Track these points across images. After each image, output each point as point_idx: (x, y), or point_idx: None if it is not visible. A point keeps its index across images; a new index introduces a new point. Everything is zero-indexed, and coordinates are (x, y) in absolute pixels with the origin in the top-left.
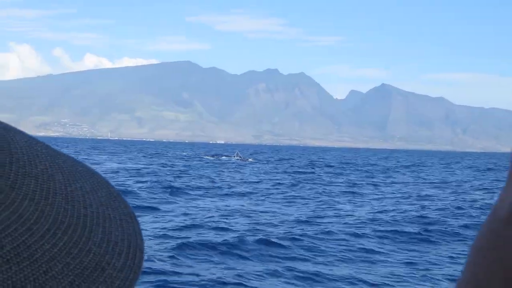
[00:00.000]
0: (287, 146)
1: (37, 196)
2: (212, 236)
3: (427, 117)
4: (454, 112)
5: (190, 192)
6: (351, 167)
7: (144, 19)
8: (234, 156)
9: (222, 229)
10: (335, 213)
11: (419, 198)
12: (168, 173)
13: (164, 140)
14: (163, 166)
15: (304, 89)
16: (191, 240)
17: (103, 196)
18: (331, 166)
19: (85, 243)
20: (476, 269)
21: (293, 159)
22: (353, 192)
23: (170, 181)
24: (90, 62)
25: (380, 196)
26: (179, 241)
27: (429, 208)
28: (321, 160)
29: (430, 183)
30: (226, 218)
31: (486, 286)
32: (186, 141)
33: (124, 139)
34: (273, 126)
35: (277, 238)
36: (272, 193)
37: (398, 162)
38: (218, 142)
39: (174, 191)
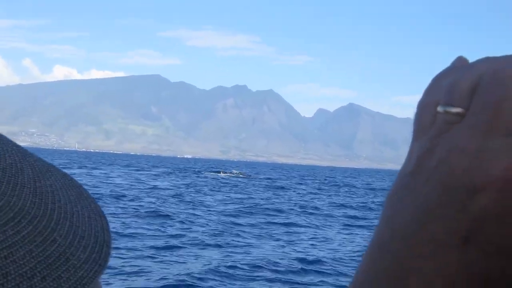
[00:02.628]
0: (254, 162)
1: (3, 187)
2: None
3: (392, 137)
4: None
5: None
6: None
7: (117, 32)
8: (229, 173)
9: None
10: None
11: None
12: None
13: (132, 153)
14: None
15: (272, 106)
16: None
17: (73, 195)
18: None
19: (50, 233)
20: (389, 221)
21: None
22: None
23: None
24: (59, 73)
25: None
26: None
27: None
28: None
29: None
30: None
31: (398, 236)
32: (153, 155)
33: (91, 150)
34: (240, 141)
35: None
36: None
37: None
38: (185, 156)
39: None
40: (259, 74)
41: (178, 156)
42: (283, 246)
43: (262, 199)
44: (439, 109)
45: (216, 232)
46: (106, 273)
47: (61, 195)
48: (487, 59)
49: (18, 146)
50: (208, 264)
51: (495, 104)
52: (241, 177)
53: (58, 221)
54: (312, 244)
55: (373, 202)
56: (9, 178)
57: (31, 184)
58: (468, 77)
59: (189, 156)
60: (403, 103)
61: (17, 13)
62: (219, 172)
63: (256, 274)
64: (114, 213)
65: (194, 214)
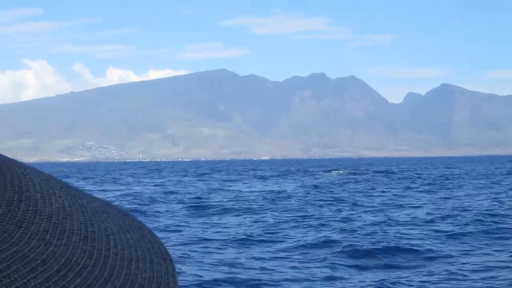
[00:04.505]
0: (339, 159)
1: (49, 236)
2: None
3: (495, 118)
4: None
5: None
6: None
7: (172, 25)
8: (342, 171)
9: None
10: None
11: None
12: None
13: (202, 159)
14: None
15: (355, 94)
16: None
17: (133, 238)
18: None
19: (102, 284)
20: None
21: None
22: None
23: None
24: (114, 76)
25: None
26: None
27: None
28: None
29: None
30: None
31: None
32: (227, 159)
33: (157, 160)
34: (322, 136)
35: None
36: None
37: None
38: (262, 158)
39: None
40: (337, 58)
41: (255, 159)
42: None
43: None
44: None
45: None
46: None
47: (118, 240)
48: None
49: (69, 187)
50: None
51: None
52: (357, 174)
53: (113, 269)
54: None
55: None
56: (55, 225)
57: (81, 229)
58: None
59: (267, 158)
60: (504, 79)
61: (59, 14)
62: (330, 171)
63: None
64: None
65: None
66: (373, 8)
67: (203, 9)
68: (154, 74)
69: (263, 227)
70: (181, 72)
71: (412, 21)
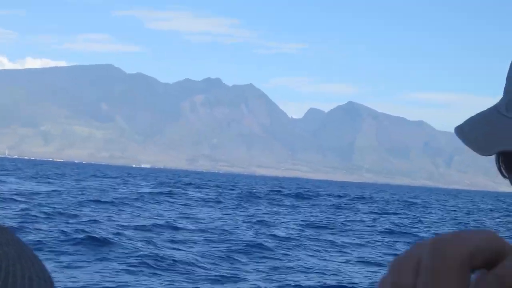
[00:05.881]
0: (228, 174)
1: None
2: None
3: (403, 144)
4: (436, 139)
5: None
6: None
7: (58, 11)
8: None
9: None
10: None
11: None
12: None
13: (76, 161)
14: None
15: (252, 105)
16: None
17: (11, 252)
18: None
19: None
20: None
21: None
22: None
23: None
24: None
25: None
26: None
27: None
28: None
29: None
30: None
31: None
32: (103, 163)
33: (25, 158)
34: (212, 149)
35: None
36: None
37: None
38: (142, 166)
39: None
40: (237, 64)
41: (134, 166)
42: None
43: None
44: None
45: None
46: None
47: None
48: (433, 238)
49: None
50: None
51: (435, 277)
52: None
53: None
54: None
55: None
56: None
57: None
58: (411, 254)
59: (148, 166)
60: (415, 102)
61: None
62: None
63: None
64: None
65: None
66: (284, 14)
67: None
68: (31, 63)
69: None
70: (62, 64)
71: (323, 31)
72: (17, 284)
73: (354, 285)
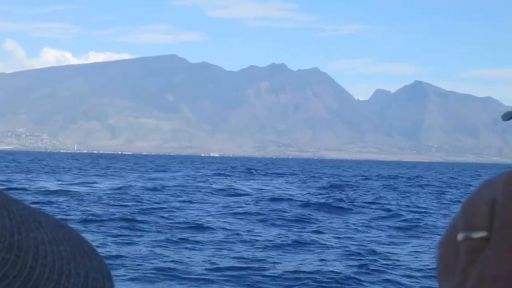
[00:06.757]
0: (298, 159)
1: None
2: None
3: (471, 122)
4: None
5: None
6: None
7: (118, 3)
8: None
9: None
10: None
11: None
12: None
13: (144, 153)
14: None
15: (318, 89)
16: None
17: (67, 250)
18: None
19: None
20: None
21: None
22: None
23: None
24: (50, 57)
25: None
26: None
27: None
28: None
29: None
30: None
31: None
32: (171, 154)
33: (94, 152)
34: (279, 134)
35: None
36: None
37: None
38: (211, 155)
39: None
40: (300, 49)
41: (203, 155)
42: None
43: None
44: (460, 236)
45: None
46: None
47: (49, 251)
48: (501, 175)
49: None
50: None
51: None
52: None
53: (38, 282)
54: None
55: None
56: None
57: (6, 237)
58: (484, 196)
59: (217, 155)
60: (482, 79)
61: None
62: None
63: None
64: None
65: None
66: None
67: None
68: (94, 57)
69: None
70: (125, 56)
71: (385, 11)
72: (70, 283)
73: None
